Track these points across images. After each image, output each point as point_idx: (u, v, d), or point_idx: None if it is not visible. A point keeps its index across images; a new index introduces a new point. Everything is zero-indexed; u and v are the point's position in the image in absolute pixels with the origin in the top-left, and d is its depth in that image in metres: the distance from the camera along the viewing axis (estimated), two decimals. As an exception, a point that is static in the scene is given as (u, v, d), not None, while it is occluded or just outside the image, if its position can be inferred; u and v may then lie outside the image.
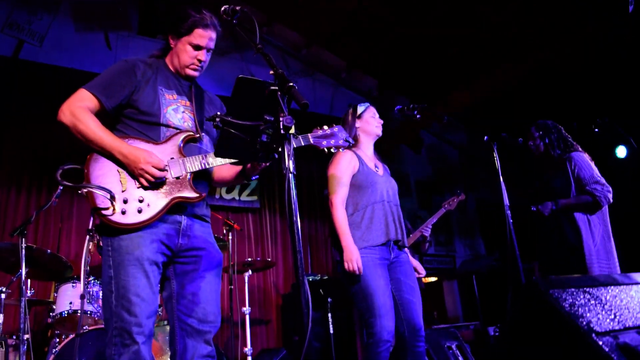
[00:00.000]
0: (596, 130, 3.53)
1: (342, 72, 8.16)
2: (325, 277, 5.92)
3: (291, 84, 1.52)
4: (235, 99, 1.70)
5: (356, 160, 3.21)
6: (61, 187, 4.17)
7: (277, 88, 1.54)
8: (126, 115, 2.29)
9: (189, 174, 2.22)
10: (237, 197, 6.99)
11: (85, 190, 2.07)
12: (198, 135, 2.32)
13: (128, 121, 2.28)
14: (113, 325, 2.04)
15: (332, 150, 2.27)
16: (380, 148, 3.49)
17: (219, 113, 1.71)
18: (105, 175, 2.13)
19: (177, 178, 2.20)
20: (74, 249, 5.70)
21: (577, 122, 4.82)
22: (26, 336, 3.65)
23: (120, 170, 2.15)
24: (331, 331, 4.84)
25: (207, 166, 2.24)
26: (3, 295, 3.96)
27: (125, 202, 2.10)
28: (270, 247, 7.09)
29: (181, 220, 2.23)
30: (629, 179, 7.39)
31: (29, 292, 4.12)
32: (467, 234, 9.10)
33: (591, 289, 1.18)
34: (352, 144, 3.23)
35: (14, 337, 3.88)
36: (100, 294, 4.02)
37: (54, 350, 3.78)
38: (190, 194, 2.20)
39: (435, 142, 9.25)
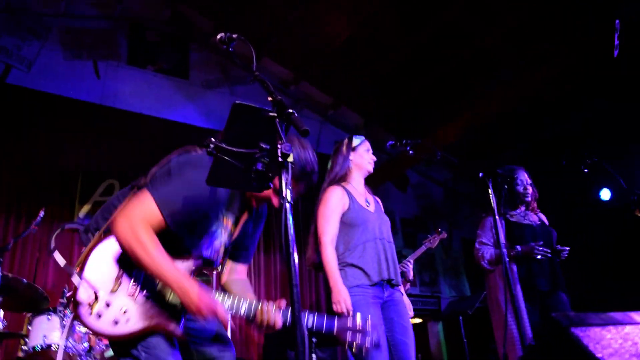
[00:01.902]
0: (585, 170, 3.52)
1: (328, 109, 8.19)
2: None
3: (290, 110, 1.47)
4: (230, 126, 1.65)
5: (346, 197, 3.12)
6: (41, 215, 4.09)
7: (275, 115, 1.49)
8: None
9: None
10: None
11: (71, 277, 1.90)
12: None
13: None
14: None
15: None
16: (366, 185, 3.42)
17: (212, 139, 1.64)
18: (104, 266, 1.95)
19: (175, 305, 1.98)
20: (51, 279, 5.52)
21: (566, 160, 4.84)
22: (-5, 370, 3.48)
23: (124, 269, 1.96)
24: (315, 371, 4.70)
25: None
26: (-27, 327, 3.79)
27: (107, 305, 1.91)
28: (254, 284, 6.94)
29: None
30: (611, 221, 7.46)
31: (0, 323, 3.95)
32: (452, 273, 9.03)
33: (613, 327, 1.13)
34: (342, 177, 3.20)
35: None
36: (77, 328, 3.87)
37: (24, 386, 3.60)
38: (175, 329, 1.98)
39: (420, 180, 9.28)
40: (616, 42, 4.07)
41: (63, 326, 3.54)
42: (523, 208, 4.04)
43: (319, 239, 3.04)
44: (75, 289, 1.89)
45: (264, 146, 1.61)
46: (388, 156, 8.19)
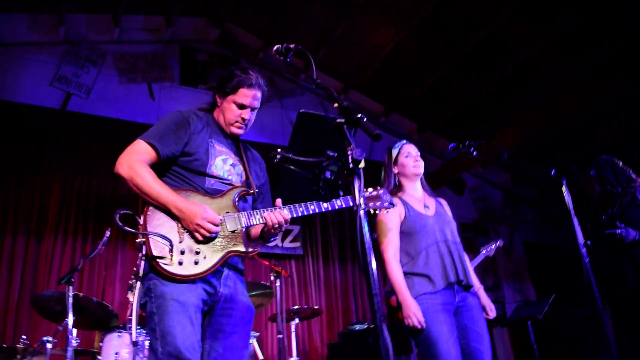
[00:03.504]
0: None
1: (380, 117, 8.14)
2: (372, 326, 5.70)
3: (360, 115, 1.44)
4: (296, 135, 1.63)
5: (402, 207, 3.06)
6: (107, 235, 4.20)
7: (343, 121, 1.46)
8: (176, 164, 2.34)
9: (243, 229, 2.27)
10: (279, 244, 6.91)
11: (142, 237, 2.10)
12: (251, 191, 2.41)
13: (176, 168, 2.33)
14: None
15: (377, 212, 2.45)
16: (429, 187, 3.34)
17: (279, 150, 1.64)
18: (162, 225, 2.16)
19: (233, 232, 2.24)
20: (118, 297, 5.68)
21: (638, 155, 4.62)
22: (71, 387, 3.57)
23: (177, 222, 2.18)
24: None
25: (261, 222, 2.28)
26: (49, 345, 3.91)
27: (182, 253, 2.13)
28: (314, 295, 6.92)
29: (223, 270, 2.25)
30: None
31: (74, 341, 4.07)
32: (515, 278, 8.74)
33: None
34: (395, 190, 3.13)
35: (59, 389, 3.80)
36: (146, 343, 3.93)
37: (99, 402, 3.68)
38: (244, 248, 2.25)
39: (477, 183, 9.06)
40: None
41: (133, 342, 3.59)
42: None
43: (381, 254, 2.99)
44: (148, 246, 2.09)
45: (331, 154, 1.59)
46: (442, 160, 8.05)
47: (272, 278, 4.50)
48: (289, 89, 7.67)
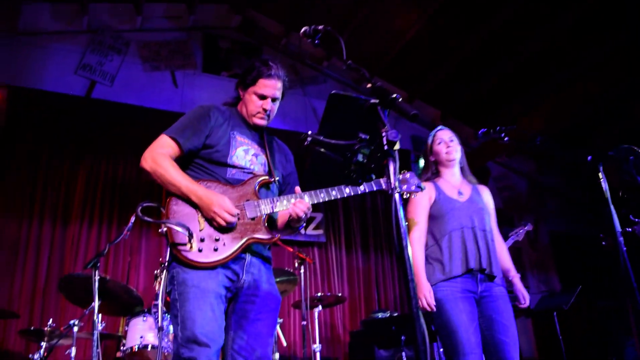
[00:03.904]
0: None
1: (403, 103, 8.04)
2: (395, 314, 5.67)
3: (395, 95, 1.40)
4: (327, 117, 1.60)
5: (433, 190, 3.07)
6: (132, 221, 4.23)
7: (377, 101, 1.42)
8: (199, 156, 2.40)
9: (263, 216, 2.30)
10: (302, 231, 6.90)
11: (165, 227, 2.17)
12: (273, 180, 2.43)
13: (199, 160, 2.39)
14: (181, 356, 2.08)
15: (404, 196, 2.43)
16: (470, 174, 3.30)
17: (309, 132, 1.60)
18: (183, 214, 2.23)
19: (252, 219, 2.28)
20: (142, 282, 5.74)
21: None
22: (97, 370, 3.62)
23: (198, 210, 2.24)
24: (406, 370, 4.59)
25: (281, 208, 2.33)
26: (76, 328, 3.97)
27: (202, 240, 2.19)
28: (337, 282, 6.92)
29: (245, 257, 2.28)
30: None
31: (100, 325, 4.12)
32: (540, 268, 8.61)
33: None
34: (422, 183, 3.12)
35: (85, 372, 3.86)
36: (171, 328, 3.96)
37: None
38: (264, 235, 2.29)
39: (502, 171, 8.92)
40: None
41: (158, 327, 3.65)
42: None
43: (409, 237, 2.97)
44: (170, 235, 2.17)
45: (363, 137, 1.55)
46: (467, 149, 7.94)
47: (296, 265, 4.49)
48: (311, 77, 7.62)
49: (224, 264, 2.19)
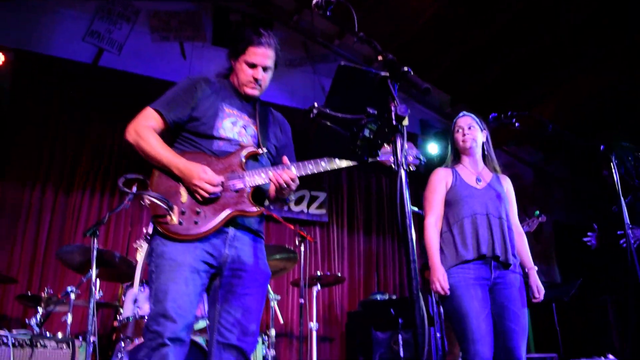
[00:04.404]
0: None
1: (413, 86, 7.92)
2: (394, 297, 5.66)
3: (406, 68, 1.34)
4: (335, 90, 1.53)
5: (450, 176, 3.07)
6: (134, 191, 4.20)
7: (388, 75, 1.36)
8: (185, 129, 2.35)
9: (248, 188, 2.25)
10: (305, 210, 6.88)
11: (146, 199, 2.14)
12: (261, 151, 2.37)
13: (185, 133, 2.35)
14: (149, 329, 2.07)
15: (369, 161, 2.29)
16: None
17: (315, 104, 1.54)
18: (167, 186, 2.20)
19: (237, 191, 2.24)
20: (142, 253, 5.73)
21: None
22: (93, 338, 3.61)
23: (180, 183, 2.21)
24: (402, 354, 4.58)
25: (267, 181, 2.26)
26: (73, 296, 3.96)
27: (183, 213, 2.16)
28: (337, 263, 6.92)
29: (228, 231, 2.24)
30: None
31: (97, 294, 4.11)
32: (542, 259, 8.57)
33: None
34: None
35: (81, 339, 3.85)
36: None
37: (119, 354, 3.72)
38: (249, 207, 2.24)
39: (508, 160, 8.83)
40: None
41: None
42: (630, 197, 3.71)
43: (424, 219, 3.02)
44: (152, 207, 2.14)
45: (371, 111, 1.49)
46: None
47: (297, 242, 4.47)
48: (322, 55, 7.50)
49: (204, 238, 2.16)
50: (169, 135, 2.33)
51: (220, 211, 2.19)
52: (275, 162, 2.49)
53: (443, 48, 7.13)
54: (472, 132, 3.12)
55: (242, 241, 2.28)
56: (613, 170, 2.41)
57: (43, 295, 4.06)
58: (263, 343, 4.18)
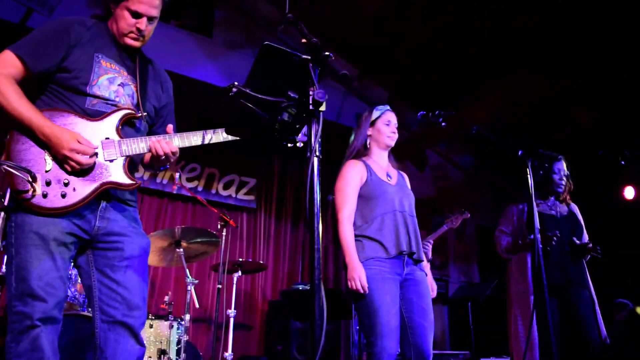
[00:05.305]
0: (622, 162, 3.32)
1: (353, 80, 7.96)
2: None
3: (327, 53, 1.30)
4: (256, 70, 1.48)
5: (365, 170, 2.98)
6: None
7: (309, 58, 1.32)
8: (53, 81, 2.06)
9: (124, 159, 2.06)
10: (233, 195, 6.77)
11: (2, 168, 1.84)
12: (140, 114, 2.15)
13: (53, 85, 2.06)
14: (13, 310, 1.86)
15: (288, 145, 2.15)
16: (394, 160, 3.25)
17: (236, 83, 1.49)
18: (28, 150, 1.92)
19: (111, 161, 2.02)
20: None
21: (603, 151, 4.60)
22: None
23: (45, 149, 1.94)
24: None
25: (145, 150, 2.07)
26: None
27: (48, 184, 1.91)
28: (262, 250, 6.86)
29: (99, 203, 2.05)
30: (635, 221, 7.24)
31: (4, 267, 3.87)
32: (463, 259, 8.87)
33: None
34: (360, 152, 3.05)
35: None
36: (78, 278, 3.78)
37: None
38: (124, 180, 2.04)
39: (440, 161, 9.06)
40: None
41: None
42: (552, 199, 3.89)
43: (336, 214, 2.91)
44: (9, 177, 1.86)
45: (292, 95, 1.45)
46: (409, 134, 7.98)
47: (219, 227, 4.38)
48: (264, 39, 7.39)
49: (71, 211, 1.95)
50: (29, 85, 2.02)
51: (91, 183, 1.97)
52: (154, 122, 2.31)
53: (386, 44, 7.18)
54: (397, 132, 3.11)
55: (114, 212, 2.09)
56: (528, 175, 2.48)
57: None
58: (178, 328, 4.08)
